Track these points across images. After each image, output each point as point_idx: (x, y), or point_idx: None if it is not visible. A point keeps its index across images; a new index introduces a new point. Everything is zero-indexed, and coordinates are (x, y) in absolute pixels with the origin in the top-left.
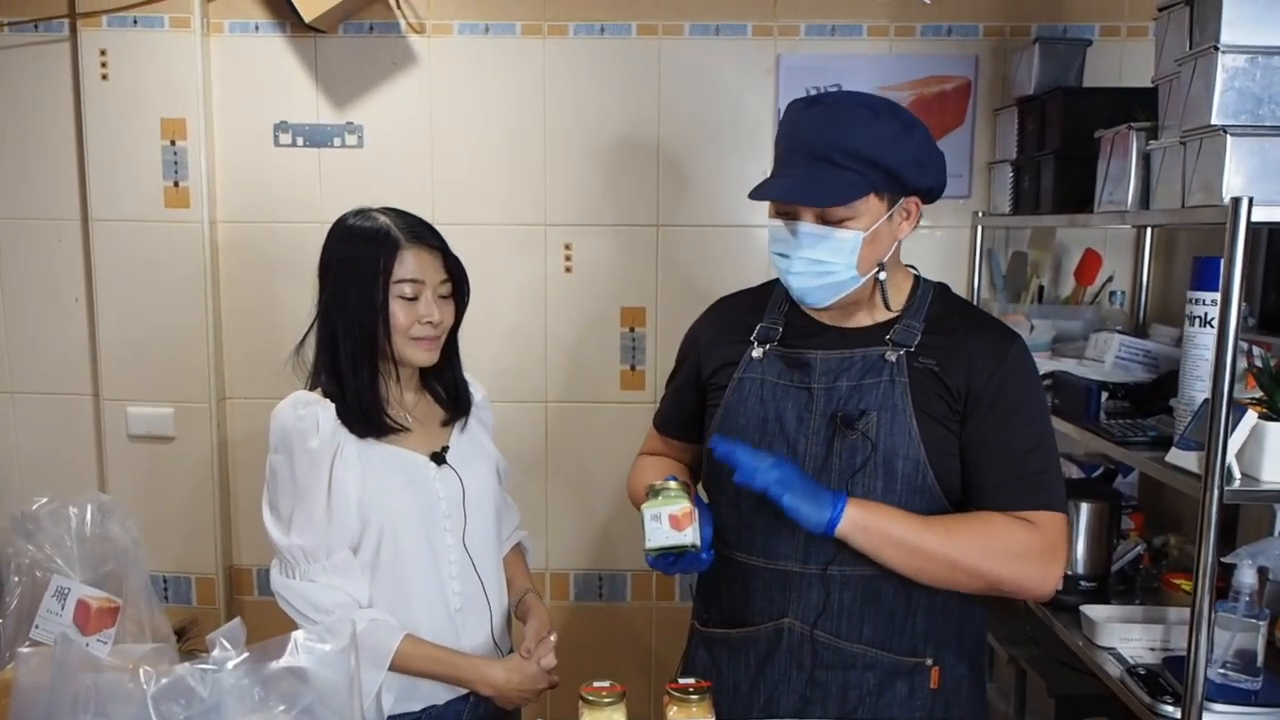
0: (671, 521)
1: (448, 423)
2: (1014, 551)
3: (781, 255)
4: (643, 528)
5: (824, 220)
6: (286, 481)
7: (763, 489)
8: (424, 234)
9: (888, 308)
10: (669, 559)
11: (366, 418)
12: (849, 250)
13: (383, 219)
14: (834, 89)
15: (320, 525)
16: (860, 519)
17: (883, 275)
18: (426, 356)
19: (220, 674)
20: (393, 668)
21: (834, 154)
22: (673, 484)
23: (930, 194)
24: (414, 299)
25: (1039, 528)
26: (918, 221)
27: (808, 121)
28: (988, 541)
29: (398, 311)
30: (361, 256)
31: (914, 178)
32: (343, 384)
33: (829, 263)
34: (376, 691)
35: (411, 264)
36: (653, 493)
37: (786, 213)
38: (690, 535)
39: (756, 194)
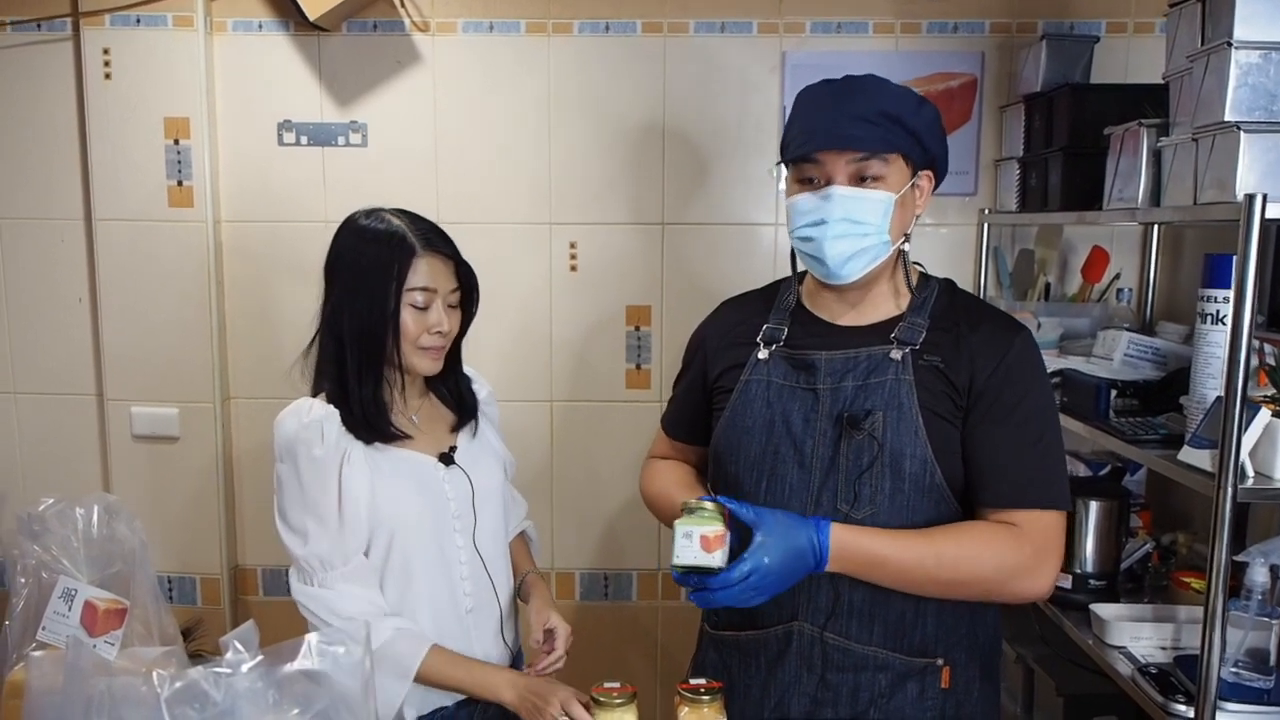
0: (703, 542)
1: (456, 427)
2: (1001, 561)
3: (813, 226)
4: (673, 542)
5: (859, 179)
6: (294, 491)
7: (741, 603)
8: (437, 241)
9: (910, 289)
10: (692, 579)
11: (370, 424)
12: (883, 211)
13: (396, 222)
14: None
15: (334, 532)
16: (841, 566)
17: (907, 247)
18: (431, 366)
19: (234, 677)
20: (417, 679)
21: (864, 113)
22: (709, 504)
23: (938, 170)
24: (425, 308)
25: (1025, 531)
26: (928, 199)
27: (830, 93)
28: (974, 555)
29: (408, 320)
30: (374, 260)
31: (933, 143)
32: (347, 390)
33: (865, 223)
34: (399, 703)
35: (425, 272)
36: (687, 510)
37: (813, 179)
38: (719, 558)
39: (794, 151)
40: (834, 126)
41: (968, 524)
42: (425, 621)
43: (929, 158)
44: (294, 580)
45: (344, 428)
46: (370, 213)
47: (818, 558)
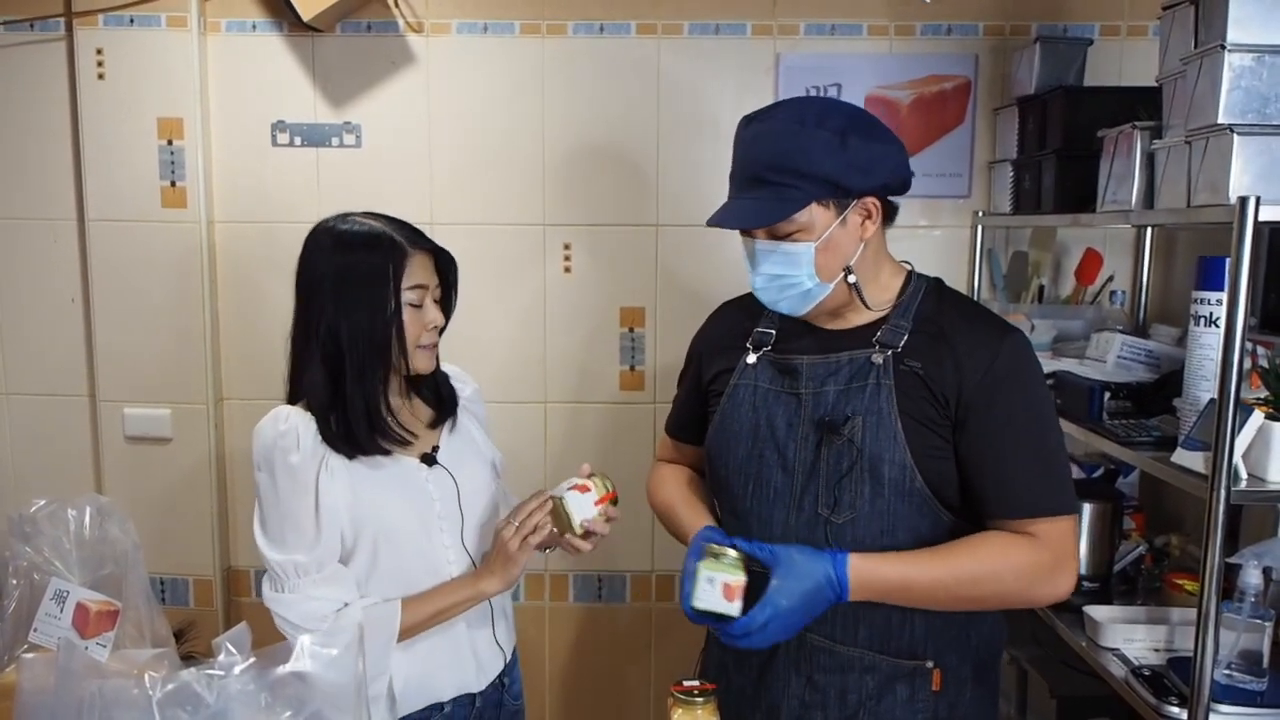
0: (725, 590)
1: (436, 423)
2: (1019, 571)
3: (750, 271)
4: (692, 581)
5: (774, 235)
6: (271, 498)
7: (764, 645)
8: (419, 238)
9: (867, 308)
10: (707, 620)
11: (374, 429)
12: (804, 262)
13: (375, 224)
14: (833, 88)
15: (310, 540)
16: (863, 595)
17: (852, 279)
18: (429, 364)
19: (226, 679)
20: (403, 635)
21: (766, 172)
22: (733, 552)
23: (887, 191)
24: (420, 306)
25: (1044, 542)
26: (882, 219)
27: (745, 141)
28: (993, 569)
29: (407, 321)
30: (368, 265)
31: (855, 182)
32: (348, 405)
33: (787, 276)
34: (389, 672)
35: (418, 270)
36: (711, 554)
37: (745, 230)
38: (737, 607)
39: (710, 220)
40: (741, 202)
41: (981, 536)
42: None
43: (865, 189)
44: (266, 588)
45: (320, 436)
46: (342, 218)
47: (837, 591)
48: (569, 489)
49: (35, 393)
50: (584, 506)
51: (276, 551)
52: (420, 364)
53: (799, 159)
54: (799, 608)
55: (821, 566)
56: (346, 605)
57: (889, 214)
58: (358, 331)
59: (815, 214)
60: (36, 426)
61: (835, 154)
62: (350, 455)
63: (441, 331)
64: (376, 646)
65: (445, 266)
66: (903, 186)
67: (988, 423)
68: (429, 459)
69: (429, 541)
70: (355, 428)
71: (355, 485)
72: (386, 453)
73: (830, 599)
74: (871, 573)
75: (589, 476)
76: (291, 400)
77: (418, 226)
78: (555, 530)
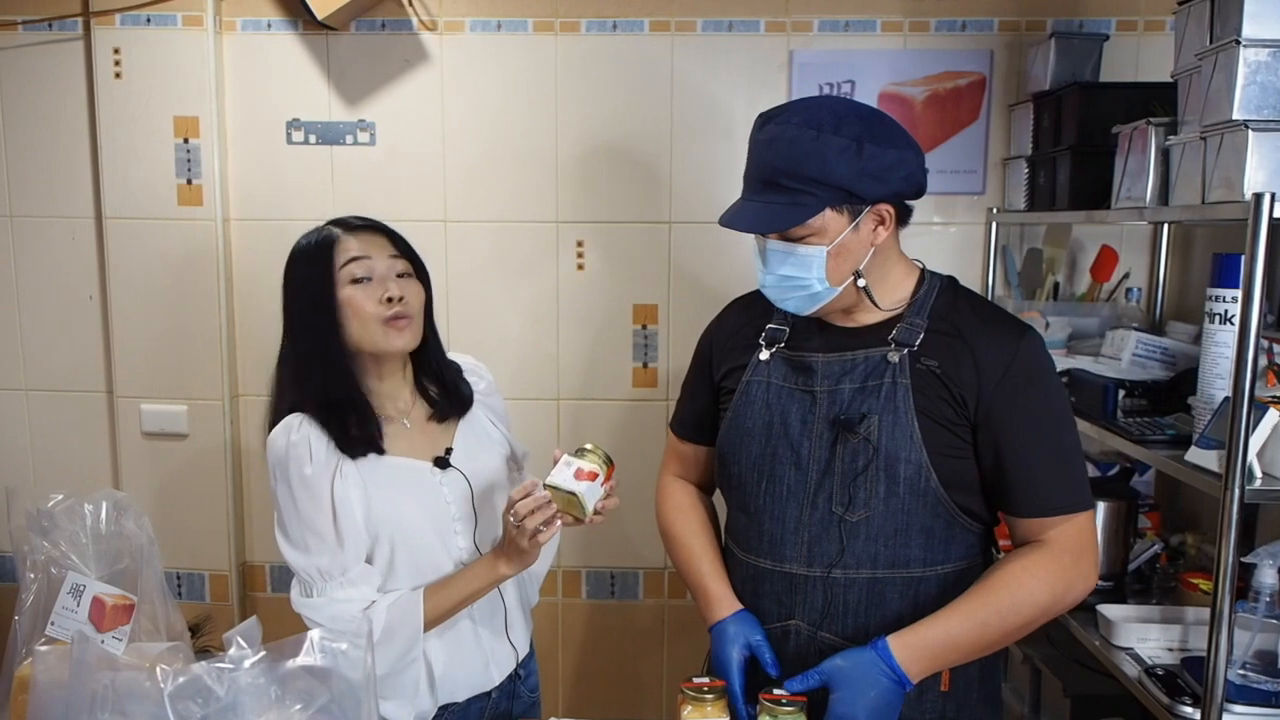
0: None
1: (445, 419)
2: (1052, 585)
3: (759, 271)
4: None
5: (786, 238)
6: (290, 508)
7: None
8: (362, 223)
9: (877, 307)
10: None
11: (361, 427)
12: (815, 265)
13: (323, 225)
14: (847, 85)
15: (332, 545)
16: (923, 668)
17: (862, 283)
18: (404, 340)
19: (237, 672)
20: (428, 626)
21: (780, 178)
22: (786, 698)
23: (902, 197)
24: (367, 279)
25: (1059, 541)
26: (896, 223)
27: (760, 143)
28: (1028, 592)
29: (354, 296)
30: (305, 262)
31: (868, 190)
32: (322, 402)
33: (797, 278)
34: (421, 658)
35: (353, 244)
36: (768, 713)
37: None
38: None
39: (722, 220)
40: (755, 205)
41: (1004, 565)
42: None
43: (879, 196)
44: (294, 593)
45: (333, 444)
46: (307, 234)
47: (896, 677)
48: (574, 476)
49: (53, 389)
50: (595, 492)
51: (300, 557)
52: (393, 342)
53: (813, 166)
54: (871, 709)
55: (866, 655)
56: (373, 603)
57: (903, 218)
58: (305, 323)
59: (828, 219)
60: (54, 422)
61: (850, 162)
62: (361, 454)
63: (429, 309)
64: (405, 638)
65: (399, 244)
66: (918, 192)
67: (1008, 423)
68: (442, 462)
69: (443, 545)
70: (343, 428)
71: (369, 491)
72: (381, 450)
73: (896, 687)
74: (917, 644)
75: (579, 453)
76: (278, 409)
77: (429, 223)
78: (567, 514)
